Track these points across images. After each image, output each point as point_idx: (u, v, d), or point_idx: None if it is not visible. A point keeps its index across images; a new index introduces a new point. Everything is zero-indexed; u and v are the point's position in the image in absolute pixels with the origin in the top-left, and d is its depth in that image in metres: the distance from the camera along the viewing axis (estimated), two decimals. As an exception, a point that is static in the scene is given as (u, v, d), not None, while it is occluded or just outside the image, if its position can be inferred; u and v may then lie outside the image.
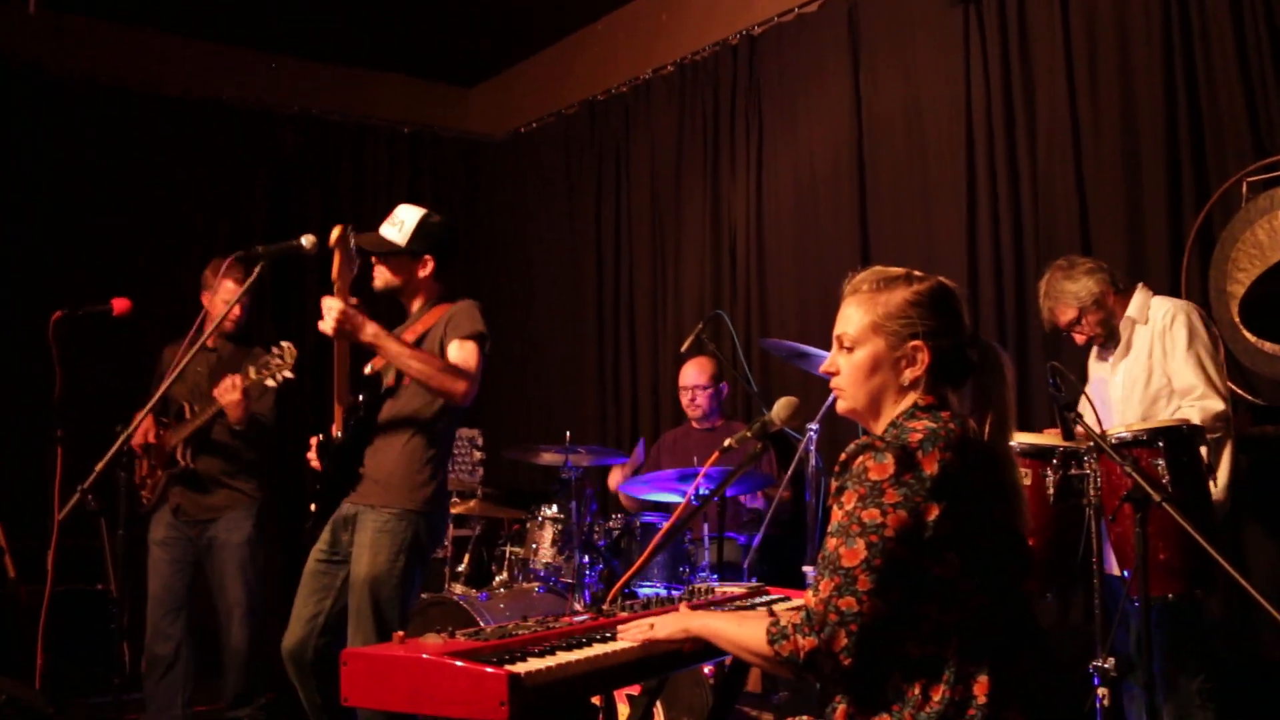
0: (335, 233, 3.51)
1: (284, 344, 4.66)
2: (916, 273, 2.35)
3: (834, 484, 2.20)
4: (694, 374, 5.96)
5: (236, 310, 5.18)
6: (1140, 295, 4.15)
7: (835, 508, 2.16)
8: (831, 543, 2.12)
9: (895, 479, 2.10)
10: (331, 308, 3.59)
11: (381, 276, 3.99)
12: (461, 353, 3.83)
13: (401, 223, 3.96)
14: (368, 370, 4.03)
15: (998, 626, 2.16)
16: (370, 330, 3.65)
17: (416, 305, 4.05)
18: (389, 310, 4.17)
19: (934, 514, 2.09)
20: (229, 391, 4.83)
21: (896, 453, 2.12)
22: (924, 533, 2.09)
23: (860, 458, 2.15)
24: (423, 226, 3.96)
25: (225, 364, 5.12)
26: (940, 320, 2.29)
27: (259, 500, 5.25)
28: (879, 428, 2.31)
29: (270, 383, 4.71)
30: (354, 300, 3.60)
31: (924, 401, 2.28)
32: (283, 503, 7.47)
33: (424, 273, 3.99)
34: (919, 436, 2.15)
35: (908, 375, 2.29)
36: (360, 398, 3.86)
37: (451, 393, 3.80)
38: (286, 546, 7.41)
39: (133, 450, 5.20)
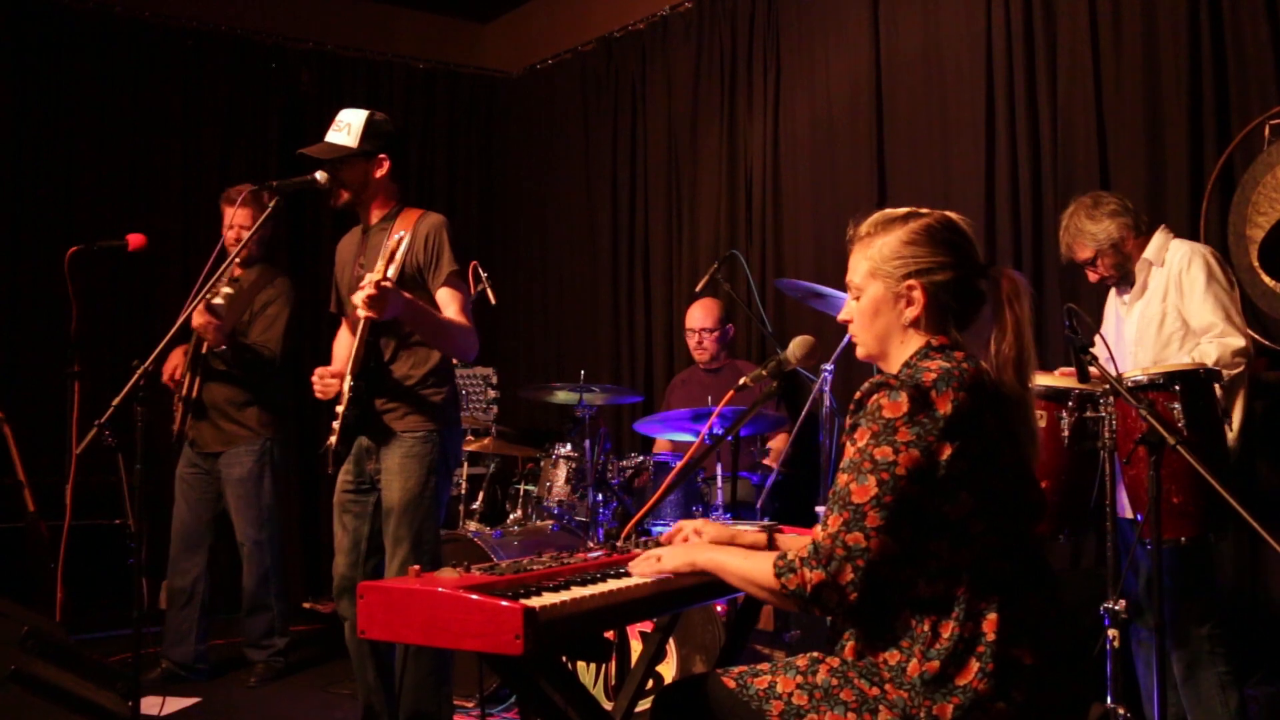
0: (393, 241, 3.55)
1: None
2: (921, 210, 2.36)
3: (848, 420, 2.21)
4: (701, 316, 5.96)
5: (242, 240, 5.20)
6: (1159, 237, 4.09)
7: (848, 444, 2.17)
8: (843, 478, 2.13)
9: (909, 417, 2.10)
10: (366, 294, 3.47)
11: (339, 190, 3.88)
12: (454, 304, 3.81)
13: (348, 125, 3.86)
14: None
15: (1008, 566, 2.16)
16: (402, 302, 3.58)
17: (377, 213, 3.97)
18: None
19: (947, 453, 2.10)
20: (197, 313, 4.78)
21: (911, 391, 2.12)
22: (936, 472, 2.10)
23: (875, 395, 2.16)
24: (371, 124, 3.86)
25: (246, 293, 5.13)
26: (938, 256, 2.29)
27: (264, 436, 5.25)
28: (893, 369, 2.32)
29: (226, 291, 4.58)
30: (389, 278, 3.53)
31: (937, 341, 2.28)
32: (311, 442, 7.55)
33: (380, 173, 3.91)
34: (933, 376, 2.15)
35: (908, 315, 2.30)
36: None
37: (466, 356, 3.89)
38: (307, 486, 7.50)
39: (165, 385, 5.25)
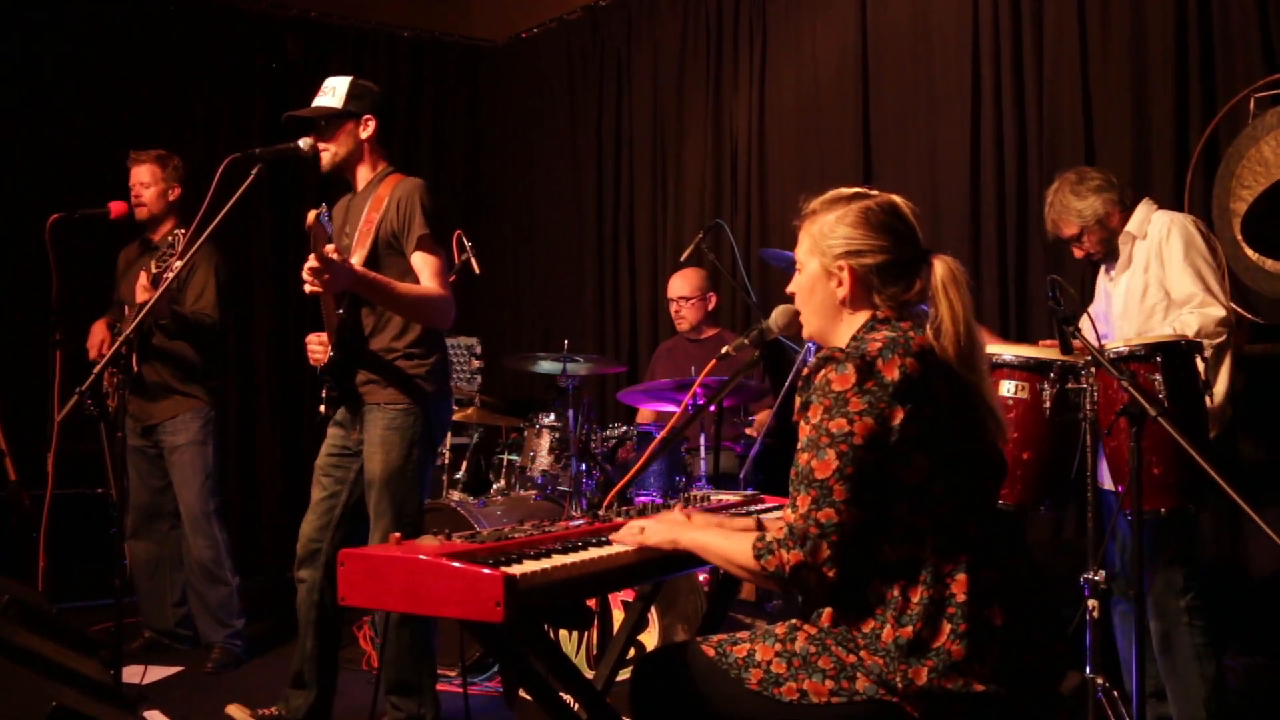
0: (310, 217, 3.46)
1: (177, 232, 4.55)
2: (870, 192, 2.40)
3: (798, 399, 2.24)
4: (679, 286, 5.97)
5: (139, 202, 5.15)
6: (1142, 210, 4.08)
7: (802, 423, 2.21)
8: (803, 458, 2.17)
9: (858, 387, 2.14)
10: (307, 267, 3.50)
11: (327, 153, 3.91)
12: (427, 269, 3.80)
13: (334, 89, 3.93)
14: None
15: (972, 528, 2.19)
16: (351, 276, 3.59)
17: (364, 176, 3.99)
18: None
19: (899, 418, 2.13)
20: (141, 289, 4.72)
21: (857, 362, 2.16)
22: (890, 437, 2.13)
23: (822, 371, 2.19)
24: (355, 87, 3.93)
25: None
26: (871, 240, 2.32)
27: (208, 403, 5.15)
28: (838, 344, 2.34)
29: (168, 274, 4.59)
30: (329, 248, 3.53)
31: (883, 314, 2.33)
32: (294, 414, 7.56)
33: (366, 134, 3.94)
34: (878, 345, 2.19)
35: (839, 293, 2.35)
36: (340, 311, 3.83)
37: (439, 325, 3.87)
38: (288, 451, 7.50)
39: (92, 361, 5.14)
